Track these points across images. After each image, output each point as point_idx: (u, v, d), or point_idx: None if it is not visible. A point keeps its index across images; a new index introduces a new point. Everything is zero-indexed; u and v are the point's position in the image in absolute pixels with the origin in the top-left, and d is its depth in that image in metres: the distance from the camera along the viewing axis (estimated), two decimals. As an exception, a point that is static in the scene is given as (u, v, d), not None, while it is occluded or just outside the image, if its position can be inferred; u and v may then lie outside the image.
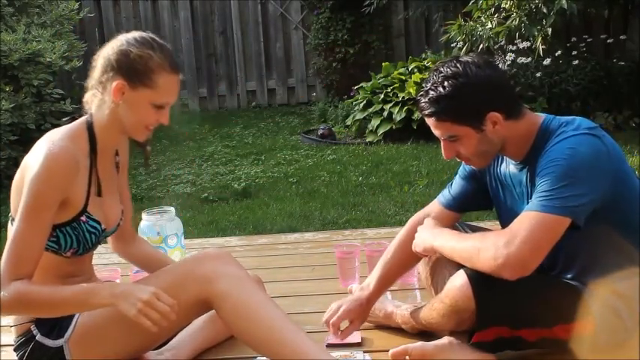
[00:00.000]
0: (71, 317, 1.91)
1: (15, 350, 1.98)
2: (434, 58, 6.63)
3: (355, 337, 2.17)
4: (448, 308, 1.91)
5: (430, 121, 1.93)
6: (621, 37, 6.91)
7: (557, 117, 1.91)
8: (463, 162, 2.04)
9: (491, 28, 5.66)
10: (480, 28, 5.70)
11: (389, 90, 6.49)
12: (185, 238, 2.86)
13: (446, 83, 1.85)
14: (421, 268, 2.31)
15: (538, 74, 6.21)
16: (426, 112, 1.90)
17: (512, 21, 5.46)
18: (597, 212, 1.79)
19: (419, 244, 2.03)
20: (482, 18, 5.80)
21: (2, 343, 2.26)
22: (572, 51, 6.57)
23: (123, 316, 1.76)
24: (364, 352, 2.08)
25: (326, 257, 2.91)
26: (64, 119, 2.00)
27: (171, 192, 5.51)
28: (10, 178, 2.03)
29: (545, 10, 5.34)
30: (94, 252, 2.26)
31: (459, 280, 1.87)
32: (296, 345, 1.82)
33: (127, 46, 1.89)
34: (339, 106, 7.34)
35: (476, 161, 1.98)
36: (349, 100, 7.10)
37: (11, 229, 1.85)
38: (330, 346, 2.13)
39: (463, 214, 2.24)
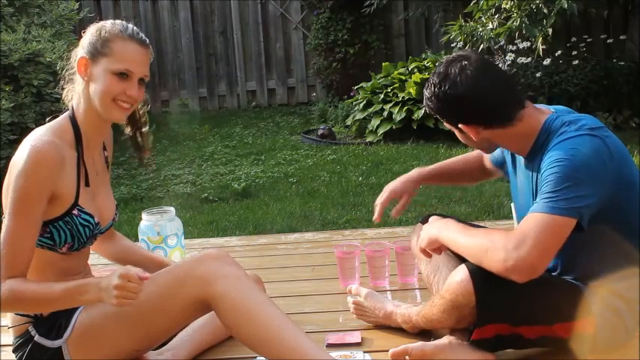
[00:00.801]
0: (70, 317, 1.91)
1: (14, 351, 1.98)
2: (434, 58, 6.63)
3: (355, 337, 2.17)
4: (448, 303, 1.90)
5: None
6: (621, 37, 6.91)
7: (562, 116, 1.90)
8: None
9: (492, 29, 5.66)
10: (480, 29, 5.70)
11: (389, 90, 6.49)
12: (185, 238, 2.86)
13: (432, 85, 1.94)
14: (422, 267, 2.32)
15: (538, 74, 6.21)
16: (424, 103, 2.03)
17: (513, 21, 5.45)
18: (598, 213, 1.78)
19: (424, 238, 2.03)
20: (482, 19, 5.80)
21: (2, 343, 2.26)
22: (572, 51, 6.57)
23: (122, 316, 1.76)
24: (364, 352, 2.08)
25: (326, 257, 2.91)
26: (47, 118, 2.01)
27: (172, 192, 5.51)
28: (10, 177, 2.03)
29: (545, 11, 5.34)
30: (94, 253, 2.25)
31: (459, 275, 1.87)
32: (295, 345, 1.82)
33: (87, 29, 1.97)
34: (339, 106, 7.34)
35: (481, 150, 2.13)
36: (349, 100, 7.10)
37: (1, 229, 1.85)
38: (330, 346, 2.13)
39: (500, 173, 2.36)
